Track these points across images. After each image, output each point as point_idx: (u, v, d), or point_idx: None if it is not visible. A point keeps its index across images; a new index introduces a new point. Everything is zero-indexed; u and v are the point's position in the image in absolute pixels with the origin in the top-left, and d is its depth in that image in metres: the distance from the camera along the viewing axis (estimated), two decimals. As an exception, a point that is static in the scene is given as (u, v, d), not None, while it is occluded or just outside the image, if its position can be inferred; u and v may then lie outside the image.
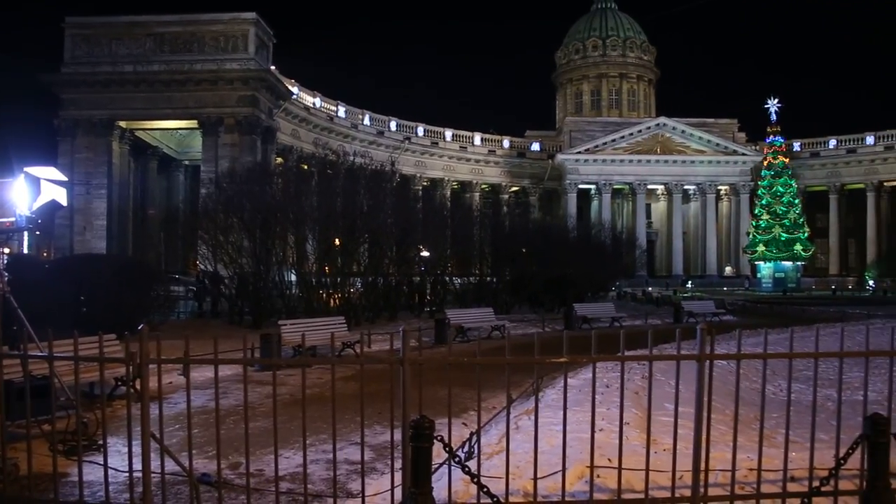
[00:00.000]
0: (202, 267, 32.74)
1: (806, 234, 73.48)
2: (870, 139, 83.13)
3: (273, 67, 53.20)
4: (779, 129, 76.27)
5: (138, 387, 5.58)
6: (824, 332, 21.37)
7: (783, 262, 73.20)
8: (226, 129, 48.98)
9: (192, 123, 50.84)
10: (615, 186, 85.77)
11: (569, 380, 11.74)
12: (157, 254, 43.45)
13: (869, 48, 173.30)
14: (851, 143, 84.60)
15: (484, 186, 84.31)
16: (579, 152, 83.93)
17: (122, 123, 50.48)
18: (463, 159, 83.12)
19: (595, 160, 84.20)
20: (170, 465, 5.86)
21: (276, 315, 26.06)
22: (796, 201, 74.19)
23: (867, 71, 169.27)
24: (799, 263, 74.67)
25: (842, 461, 5.61)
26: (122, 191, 51.62)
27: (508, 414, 5.77)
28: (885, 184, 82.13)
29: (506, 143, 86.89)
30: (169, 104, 49.16)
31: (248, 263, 28.55)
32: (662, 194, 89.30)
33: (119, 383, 11.81)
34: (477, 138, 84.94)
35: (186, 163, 60.63)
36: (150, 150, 56.66)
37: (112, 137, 49.61)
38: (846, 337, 18.54)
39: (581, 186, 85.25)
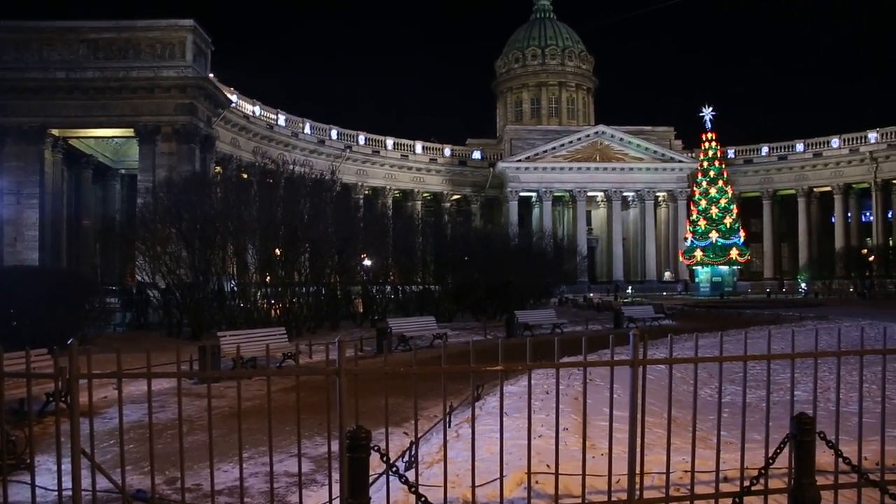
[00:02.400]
0: (139, 278, 32.09)
1: (741, 240, 75.38)
2: (799, 146, 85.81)
3: (212, 75, 52.40)
4: (714, 136, 78.21)
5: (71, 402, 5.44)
6: (759, 335, 21.95)
7: (720, 267, 74.99)
8: (163, 137, 48.00)
9: (129, 132, 49.69)
10: (556, 194, 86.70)
11: (509, 387, 11.87)
12: (93, 265, 42.43)
13: (798, 58, 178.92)
14: (782, 150, 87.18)
15: (426, 195, 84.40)
16: (520, 160, 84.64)
17: (55, 131, 49.06)
18: (404, 168, 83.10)
19: (536, 168, 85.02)
20: (103, 483, 5.72)
21: (216, 326, 25.69)
22: (731, 207, 76.06)
23: (797, 80, 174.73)
24: (735, 268, 76.58)
25: (771, 460, 5.77)
26: (56, 200, 50.18)
27: (446, 423, 5.78)
28: (815, 190, 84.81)
29: (447, 152, 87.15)
30: (104, 112, 47.95)
31: (187, 274, 28.09)
32: (602, 201, 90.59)
33: (49, 399, 11.50)
34: (418, 147, 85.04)
35: (123, 172, 59.24)
36: (84, 158, 55.20)
37: (44, 145, 48.14)
38: (780, 338, 19.07)
39: (522, 194, 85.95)
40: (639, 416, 5.44)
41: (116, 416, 7.83)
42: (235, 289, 29.65)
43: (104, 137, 53.42)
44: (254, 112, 65.08)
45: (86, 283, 26.06)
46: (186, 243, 27.99)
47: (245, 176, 51.52)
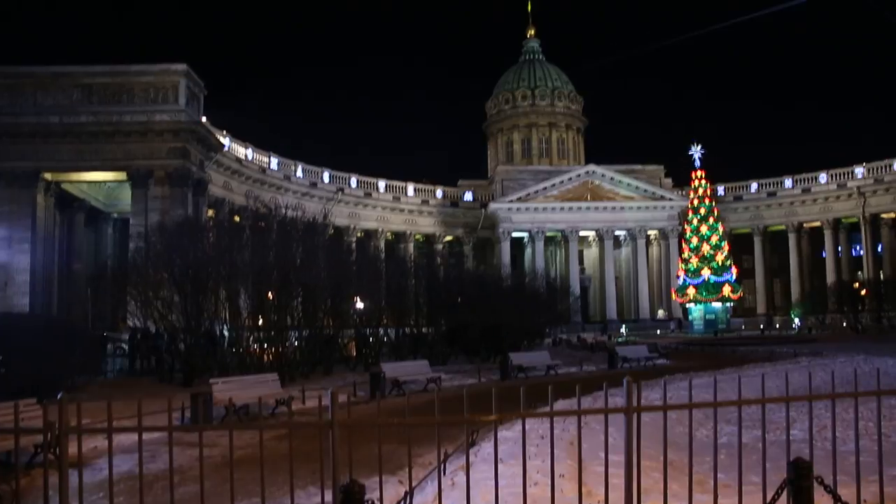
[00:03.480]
0: (131, 324, 31.91)
1: (733, 276, 75.53)
2: (788, 182, 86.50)
3: (204, 119, 52.74)
4: (703, 174, 78.80)
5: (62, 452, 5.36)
6: (754, 373, 21.84)
7: (713, 304, 74.98)
8: (156, 181, 48.12)
9: (121, 175, 49.80)
10: (548, 234, 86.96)
11: (504, 432, 11.76)
12: (84, 311, 42.12)
13: (784, 94, 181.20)
14: (771, 186, 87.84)
15: (418, 236, 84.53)
16: (511, 201, 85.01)
17: (48, 175, 49.14)
18: (396, 210, 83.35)
19: (527, 208, 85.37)
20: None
21: (208, 372, 25.49)
22: (723, 244, 76.34)
23: (784, 115, 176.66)
24: (728, 304, 76.57)
25: (769, 506, 5.71)
26: (47, 244, 50.06)
27: (440, 472, 5.71)
28: (805, 225, 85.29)
29: (439, 193, 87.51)
30: (97, 156, 48.12)
31: (179, 319, 27.93)
32: (594, 240, 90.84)
33: (38, 450, 11.33)
34: (410, 189, 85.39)
35: (115, 216, 59.22)
36: (76, 202, 55.21)
37: (36, 189, 48.18)
38: (775, 376, 18.86)
39: (514, 234, 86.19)
40: (634, 462, 5.39)
41: (106, 467, 7.71)
42: (228, 334, 29.48)
43: (97, 181, 53.53)
44: (246, 155, 65.34)
45: (76, 330, 25.88)
46: (178, 288, 27.91)
47: (237, 219, 51.40)
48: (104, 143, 47.86)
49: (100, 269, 44.34)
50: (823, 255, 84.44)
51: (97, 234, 59.15)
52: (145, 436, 5.79)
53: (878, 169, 79.82)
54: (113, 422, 5.59)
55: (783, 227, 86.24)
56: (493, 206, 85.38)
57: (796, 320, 76.36)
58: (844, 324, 66.24)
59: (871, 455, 7.02)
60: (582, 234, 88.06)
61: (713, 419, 6.54)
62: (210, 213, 56.52)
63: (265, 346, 29.12)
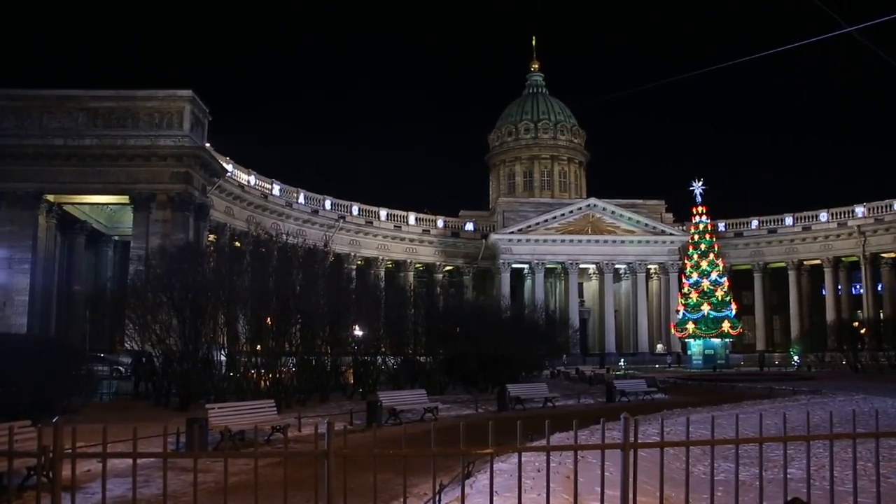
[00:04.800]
0: (129, 346, 31.83)
1: (733, 312, 75.38)
2: (788, 220, 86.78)
3: (208, 144, 53.04)
4: (704, 209, 78.98)
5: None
6: (752, 410, 21.73)
7: (712, 339, 74.73)
8: (158, 205, 48.29)
9: (124, 199, 49.98)
10: (548, 266, 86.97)
11: (501, 464, 11.68)
12: (82, 332, 42.07)
13: (786, 131, 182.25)
14: (772, 223, 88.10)
15: (418, 265, 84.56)
16: (512, 232, 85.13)
17: (50, 197, 49.34)
18: (397, 238, 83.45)
19: (528, 240, 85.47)
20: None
21: (204, 396, 25.40)
22: (723, 280, 76.27)
23: (785, 152, 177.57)
24: (727, 340, 76.33)
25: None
26: (47, 266, 50.11)
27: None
28: (805, 263, 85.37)
29: (440, 223, 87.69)
30: (100, 179, 48.35)
31: (177, 343, 27.86)
32: (594, 273, 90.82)
33: (31, 473, 11.26)
34: (411, 217, 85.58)
35: (116, 238, 59.35)
36: (78, 224, 55.37)
37: (39, 211, 48.35)
38: (773, 413, 18.78)
39: (514, 266, 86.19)
40: (630, 498, 5.36)
41: (100, 490, 7.66)
42: (225, 359, 29.38)
43: (99, 204, 53.73)
44: (248, 181, 65.59)
45: (73, 351, 25.79)
46: (177, 312, 27.87)
47: (238, 245, 51.62)
48: (108, 166, 48.13)
49: (99, 291, 44.36)
50: (823, 292, 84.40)
51: (98, 256, 59.24)
52: (140, 461, 5.77)
53: (878, 209, 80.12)
54: (108, 446, 5.57)
55: (783, 264, 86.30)
56: (493, 236, 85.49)
57: (795, 357, 76.10)
58: (844, 362, 65.98)
59: (870, 496, 6.98)
60: (582, 266, 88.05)
61: (710, 454, 6.52)
62: (211, 237, 56.63)
63: (262, 371, 29.02)
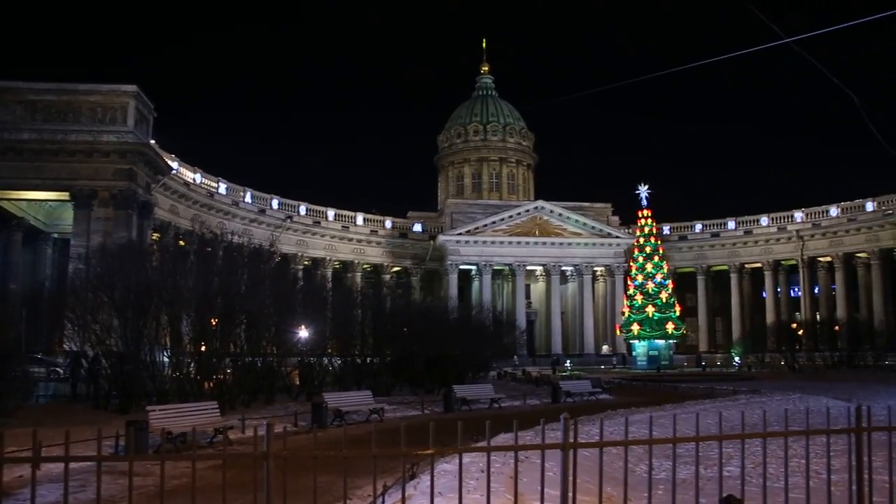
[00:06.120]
0: (67, 347, 31.06)
1: (677, 314, 76.71)
2: (731, 224, 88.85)
3: (153, 141, 52.04)
4: (649, 213, 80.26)
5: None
6: (693, 410, 22.16)
7: (656, 341, 75.92)
8: (100, 202, 47.18)
9: (64, 195, 48.70)
10: (496, 267, 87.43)
11: (445, 465, 11.72)
12: (18, 332, 40.80)
13: (732, 139, 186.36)
14: (715, 227, 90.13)
15: (366, 266, 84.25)
16: (460, 234, 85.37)
17: (-15, 193, 47.90)
18: (345, 239, 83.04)
19: (476, 241, 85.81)
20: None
21: (146, 398, 24.91)
22: (667, 282, 77.57)
23: (730, 159, 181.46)
24: (671, 341, 77.65)
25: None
26: (-19, 265, 48.69)
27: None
28: (746, 266, 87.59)
29: (388, 224, 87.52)
30: (39, 174, 46.99)
31: (117, 344, 27.26)
32: (541, 275, 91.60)
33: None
34: (359, 218, 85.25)
35: (55, 236, 57.83)
36: (14, 221, 53.75)
37: (-29, 207, 46.93)
38: (713, 413, 19.22)
39: (462, 267, 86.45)
40: (570, 498, 5.42)
41: (30, 498, 7.44)
42: (168, 360, 28.85)
43: (37, 200, 52.25)
44: (194, 179, 64.56)
45: (7, 352, 24.97)
46: (118, 312, 27.27)
47: (183, 244, 50.69)
48: (47, 161, 46.83)
49: (37, 290, 43.13)
50: (764, 295, 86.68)
51: (35, 254, 57.65)
52: (76, 465, 5.63)
53: (816, 214, 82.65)
54: (42, 451, 5.43)
55: (726, 266, 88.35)
56: (441, 238, 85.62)
57: (736, 358, 77.74)
58: (782, 362, 67.62)
59: (802, 491, 7.18)
60: (529, 268, 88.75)
61: (655, 455, 6.63)
62: (155, 236, 55.61)
63: (206, 373, 28.57)
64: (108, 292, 27.52)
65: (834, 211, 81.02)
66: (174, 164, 59.03)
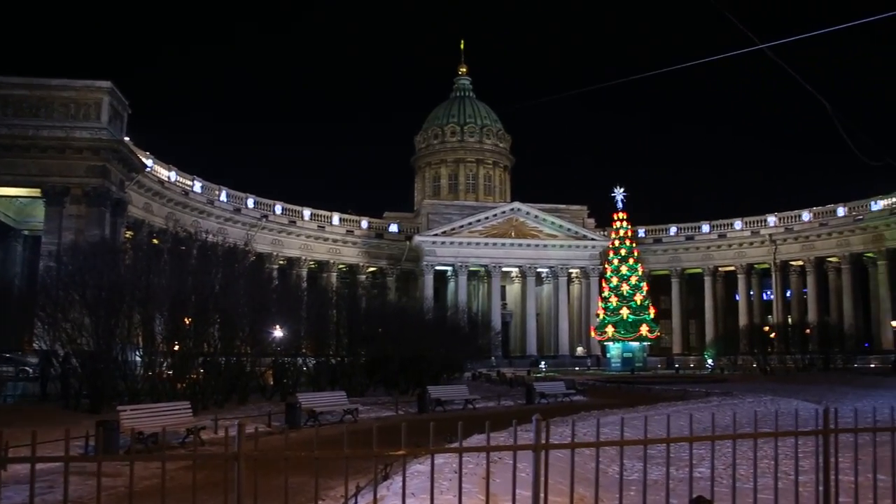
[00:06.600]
0: (37, 346, 30.64)
1: (651, 316, 77.27)
2: (705, 227, 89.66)
3: (127, 138, 51.49)
4: (625, 216, 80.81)
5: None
6: (666, 412, 22.32)
7: (631, 343, 76.47)
8: (72, 199, 46.57)
9: (36, 192, 48.05)
10: (471, 268, 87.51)
11: (418, 466, 11.72)
12: (-14, 331, 40.22)
13: (707, 143, 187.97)
14: (690, 230, 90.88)
15: (342, 266, 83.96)
16: (437, 234, 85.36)
17: (-47, 189, 47.13)
18: (321, 239, 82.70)
19: (452, 242, 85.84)
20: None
21: (117, 398, 24.64)
22: (642, 284, 78.13)
23: (705, 163, 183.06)
24: (645, 343, 78.21)
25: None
26: (-50, 262, 47.90)
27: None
28: (720, 269, 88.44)
29: (364, 224, 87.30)
30: (9, 170, 46.31)
31: (89, 343, 26.92)
32: (517, 276, 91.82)
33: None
34: (335, 218, 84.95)
35: (26, 233, 57.04)
36: (-16, 218, 53.06)
37: (-60, 203, 46.16)
38: (686, 415, 19.35)
39: (438, 268, 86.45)
40: (542, 498, 5.45)
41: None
42: (140, 359, 28.56)
43: (8, 196, 51.50)
44: (169, 177, 63.96)
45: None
46: (90, 311, 26.94)
47: (157, 242, 50.20)
48: (18, 157, 46.16)
49: (6, 288, 42.48)
50: (737, 298, 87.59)
51: (5, 251, 56.86)
52: (44, 466, 5.56)
53: (788, 218, 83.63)
54: (8, 451, 5.36)
55: (700, 270, 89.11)
56: (417, 238, 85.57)
57: (709, 360, 78.49)
58: (755, 365, 68.36)
59: (772, 492, 7.26)
60: (505, 269, 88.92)
61: (628, 456, 6.68)
62: (128, 234, 55.04)
63: (179, 372, 28.31)
64: (80, 291, 27.19)
65: (806, 216, 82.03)
66: (149, 162, 58.46)
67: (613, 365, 76.17)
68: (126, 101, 50.59)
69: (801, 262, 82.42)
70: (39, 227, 49.75)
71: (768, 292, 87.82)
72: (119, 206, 50.87)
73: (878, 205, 74.98)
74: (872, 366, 67.16)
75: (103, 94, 47.73)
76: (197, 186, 68.22)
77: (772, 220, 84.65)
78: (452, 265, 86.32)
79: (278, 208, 79.27)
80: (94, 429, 15.15)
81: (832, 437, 6.92)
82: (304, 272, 76.46)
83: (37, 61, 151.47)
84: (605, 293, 79.21)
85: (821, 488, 6.90)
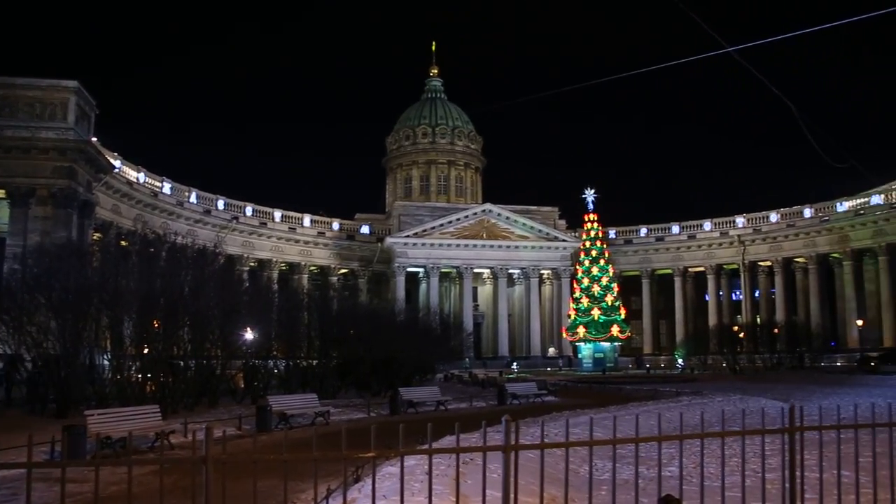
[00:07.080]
0: (1, 350, 30.12)
1: (622, 317, 77.78)
2: (675, 228, 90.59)
3: (94, 139, 50.80)
4: (596, 217, 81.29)
5: None
6: (637, 411, 22.49)
7: (602, 343, 76.85)
8: (38, 200, 45.85)
9: (0, 193, 47.27)
10: (443, 270, 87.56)
11: (389, 468, 11.69)
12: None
13: (677, 145, 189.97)
14: (660, 231, 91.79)
15: (313, 268, 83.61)
16: (408, 236, 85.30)
17: (-88, 189, 46.13)
18: (292, 240, 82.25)
19: (423, 244, 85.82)
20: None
21: (85, 402, 24.33)
22: (613, 285, 78.61)
23: (674, 164, 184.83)
24: (616, 344, 78.69)
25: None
26: None
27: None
28: (690, 269, 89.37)
29: (335, 226, 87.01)
30: (-29, 171, 45.53)
31: (55, 347, 26.54)
32: (489, 278, 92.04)
33: None
34: (306, 220, 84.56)
35: (-10, 235, 56.10)
36: (-54, 220, 52.01)
37: None
38: (655, 414, 19.52)
39: (410, 269, 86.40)
40: (511, 499, 5.46)
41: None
42: (109, 363, 28.20)
43: (-29, 198, 50.57)
44: (137, 178, 63.21)
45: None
46: (56, 314, 26.56)
47: (125, 244, 49.54)
48: (-20, 157, 45.33)
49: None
50: (707, 298, 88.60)
51: (-31, 253, 55.83)
52: (7, 472, 5.47)
53: (756, 220, 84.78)
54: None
55: (670, 270, 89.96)
56: (389, 240, 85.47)
57: (680, 360, 79.19)
58: (724, 364, 69.07)
59: (739, 490, 7.34)
60: (477, 271, 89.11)
61: (598, 455, 6.73)
62: (96, 236, 54.31)
63: (148, 376, 28.00)
64: (46, 293, 26.82)
65: (774, 217, 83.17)
66: (117, 163, 57.76)
67: (585, 365, 76.54)
68: (93, 102, 49.94)
69: (769, 263, 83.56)
70: (3, 229, 48.91)
71: (737, 292, 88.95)
72: (86, 208, 50.18)
73: (844, 206, 76.21)
74: (839, 364, 68.20)
75: (70, 94, 47.05)
76: (166, 188, 67.51)
77: (740, 221, 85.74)
78: (424, 267, 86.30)
79: (249, 210, 78.72)
80: (60, 434, 14.92)
81: (798, 435, 7.01)
82: (276, 274, 76.02)
83: (1, 60, 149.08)
84: (577, 294, 79.57)
85: (787, 485, 6.99)
